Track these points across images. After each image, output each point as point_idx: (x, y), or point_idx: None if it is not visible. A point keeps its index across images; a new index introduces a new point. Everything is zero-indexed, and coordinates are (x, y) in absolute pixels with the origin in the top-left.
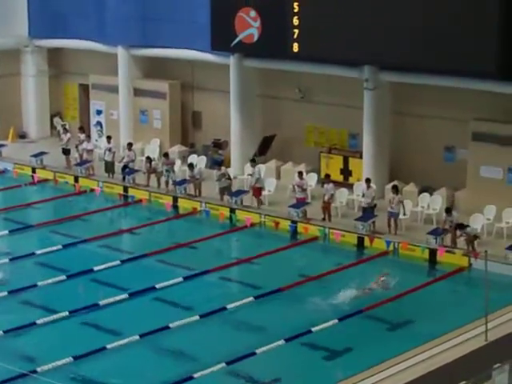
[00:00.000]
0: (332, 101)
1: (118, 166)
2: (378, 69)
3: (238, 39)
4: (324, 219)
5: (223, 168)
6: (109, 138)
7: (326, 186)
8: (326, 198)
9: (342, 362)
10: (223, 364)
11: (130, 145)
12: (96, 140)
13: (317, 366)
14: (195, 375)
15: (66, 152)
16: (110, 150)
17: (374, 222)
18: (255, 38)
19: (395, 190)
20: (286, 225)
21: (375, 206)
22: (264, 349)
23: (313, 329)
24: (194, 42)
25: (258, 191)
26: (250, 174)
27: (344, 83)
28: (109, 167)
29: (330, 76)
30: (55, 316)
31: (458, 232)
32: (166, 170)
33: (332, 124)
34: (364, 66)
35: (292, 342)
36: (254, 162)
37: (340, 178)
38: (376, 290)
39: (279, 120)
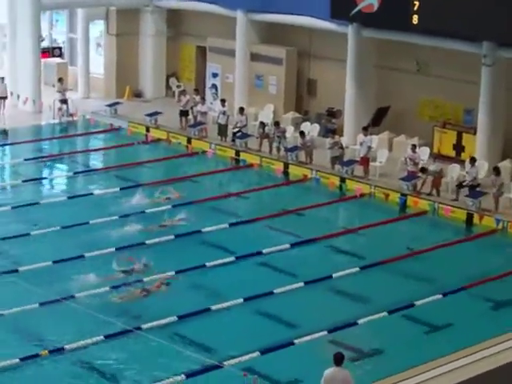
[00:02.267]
0: (448, 75)
1: (231, 130)
2: (497, 45)
3: (357, 8)
4: (430, 194)
5: (336, 137)
6: (223, 101)
7: (437, 163)
8: (436, 174)
9: (443, 338)
10: (325, 332)
11: (241, 109)
12: (211, 103)
13: (418, 340)
14: (296, 341)
15: (184, 113)
16: (224, 113)
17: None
18: (375, 8)
19: (497, 171)
20: (395, 197)
21: (478, 185)
22: (366, 319)
23: (416, 302)
24: (313, 9)
25: (365, 161)
26: (361, 143)
27: (461, 57)
28: (222, 130)
29: (448, 50)
30: (159, 275)
31: None
32: (278, 137)
33: (447, 98)
34: (483, 41)
35: (394, 315)
36: (366, 130)
37: (452, 154)
38: None
39: (394, 92)
